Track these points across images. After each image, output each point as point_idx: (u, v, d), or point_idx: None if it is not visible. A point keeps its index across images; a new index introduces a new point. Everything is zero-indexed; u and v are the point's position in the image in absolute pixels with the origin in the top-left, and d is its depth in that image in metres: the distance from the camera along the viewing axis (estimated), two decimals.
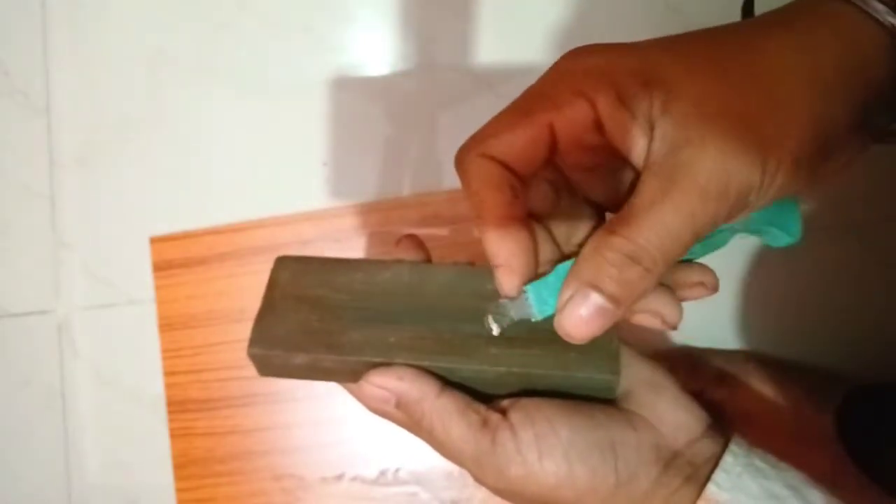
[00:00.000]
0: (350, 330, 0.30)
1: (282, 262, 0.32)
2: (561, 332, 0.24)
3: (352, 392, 0.30)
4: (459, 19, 0.54)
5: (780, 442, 0.28)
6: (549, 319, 0.26)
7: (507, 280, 0.26)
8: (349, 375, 0.30)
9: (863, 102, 0.24)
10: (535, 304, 0.26)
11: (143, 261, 0.55)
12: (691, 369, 0.48)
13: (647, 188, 0.22)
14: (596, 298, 0.23)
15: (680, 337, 0.52)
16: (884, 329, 0.50)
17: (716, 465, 0.27)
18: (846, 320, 0.51)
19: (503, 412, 0.28)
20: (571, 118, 0.23)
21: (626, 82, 0.22)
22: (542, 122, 0.23)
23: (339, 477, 0.52)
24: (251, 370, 0.30)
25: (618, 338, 0.29)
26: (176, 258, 0.54)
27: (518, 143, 0.24)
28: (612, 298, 0.23)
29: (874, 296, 0.51)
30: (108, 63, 0.57)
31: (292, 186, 0.55)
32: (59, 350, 0.56)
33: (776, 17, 0.25)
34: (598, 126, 0.23)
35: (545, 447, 0.26)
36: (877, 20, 0.23)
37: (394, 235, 0.53)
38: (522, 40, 0.53)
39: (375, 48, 0.55)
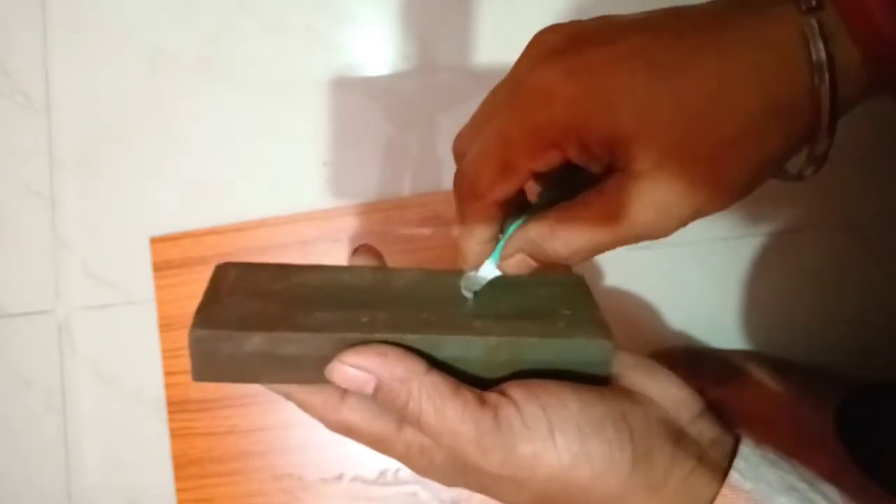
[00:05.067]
0: (315, 312, 0.26)
1: (223, 267, 0.29)
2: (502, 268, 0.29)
3: (307, 407, 0.27)
4: (459, 19, 0.54)
5: (779, 441, 0.28)
6: (532, 300, 0.29)
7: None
8: (314, 367, 0.25)
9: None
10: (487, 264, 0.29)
11: (143, 261, 0.55)
12: (691, 369, 0.48)
13: (593, 206, 0.25)
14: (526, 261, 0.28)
15: (680, 336, 0.52)
16: (883, 328, 0.50)
17: (730, 450, 0.26)
18: (846, 320, 0.51)
19: (501, 393, 0.26)
20: (547, 161, 0.25)
21: (594, 145, 0.25)
22: (525, 172, 0.26)
23: (339, 477, 0.52)
24: None
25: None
26: (176, 258, 0.54)
27: (508, 191, 0.26)
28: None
29: (874, 296, 0.51)
30: (108, 63, 0.57)
31: (292, 186, 0.55)
32: (59, 350, 0.56)
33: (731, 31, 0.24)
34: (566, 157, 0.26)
35: (555, 419, 0.24)
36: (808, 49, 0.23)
37: (394, 235, 0.53)
38: (522, 40, 0.53)
39: (375, 48, 0.55)
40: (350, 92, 0.55)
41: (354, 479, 0.52)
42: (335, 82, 0.55)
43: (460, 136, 0.29)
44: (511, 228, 0.28)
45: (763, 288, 0.51)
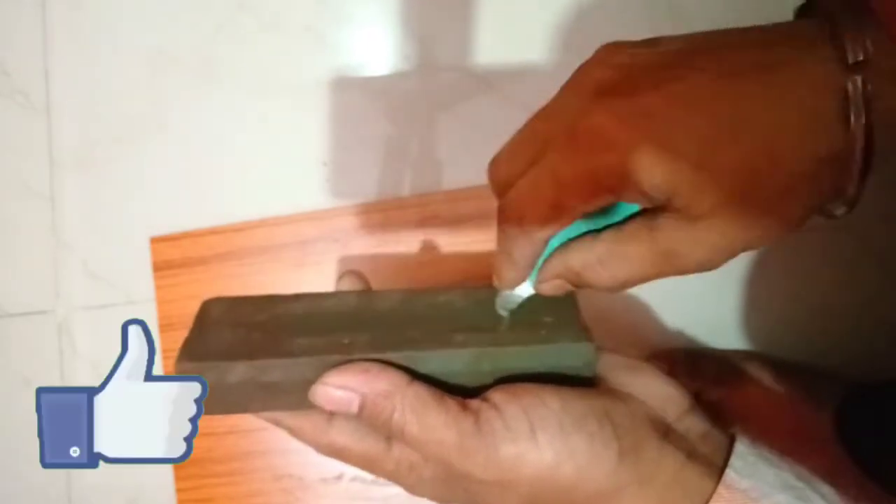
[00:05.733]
0: (298, 338, 0.27)
1: (210, 302, 0.30)
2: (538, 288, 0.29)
3: (297, 432, 0.28)
4: (459, 19, 0.54)
5: (779, 441, 0.27)
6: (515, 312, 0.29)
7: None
8: (299, 391, 0.26)
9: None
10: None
11: (143, 261, 0.55)
12: (691, 369, 0.48)
13: (643, 243, 0.25)
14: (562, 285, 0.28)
15: (680, 337, 0.52)
16: (883, 329, 0.50)
17: (723, 446, 0.26)
18: (846, 320, 0.51)
19: (483, 398, 0.26)
20: (601, 204, 0.25)
21: (652, 191, 0.24)
22: (577, 213, 0.26)
23: (339, 477, 0.52)
24: None
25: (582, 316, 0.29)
26: (176, 258, 0.54)
27: (557, 230, 0.26)
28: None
29: (874, 296, 0.51)
30: (108, 63, 0.57)
31: (292, 186, 0.55)
32: (59, 350, 0.56)
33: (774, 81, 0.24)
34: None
35: (536, 418, 0.25)
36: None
37: (394, 235, 0.53)
38: (522, 40, 0.53)
39: (375, 48, 0.55)
40: (350, 92, 0.55)
41: (354, 479, 0.52)
42: (335, 82, 0.55)
43: (498, 161, 0.28)
44: (550, 248, 0.27)
45: (763, 288, 0.51)
